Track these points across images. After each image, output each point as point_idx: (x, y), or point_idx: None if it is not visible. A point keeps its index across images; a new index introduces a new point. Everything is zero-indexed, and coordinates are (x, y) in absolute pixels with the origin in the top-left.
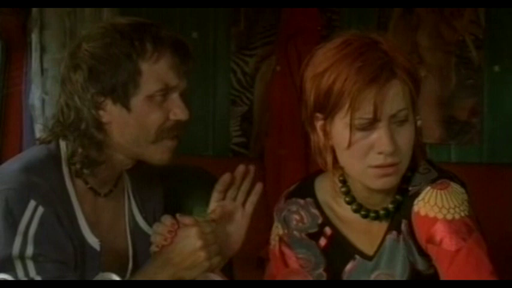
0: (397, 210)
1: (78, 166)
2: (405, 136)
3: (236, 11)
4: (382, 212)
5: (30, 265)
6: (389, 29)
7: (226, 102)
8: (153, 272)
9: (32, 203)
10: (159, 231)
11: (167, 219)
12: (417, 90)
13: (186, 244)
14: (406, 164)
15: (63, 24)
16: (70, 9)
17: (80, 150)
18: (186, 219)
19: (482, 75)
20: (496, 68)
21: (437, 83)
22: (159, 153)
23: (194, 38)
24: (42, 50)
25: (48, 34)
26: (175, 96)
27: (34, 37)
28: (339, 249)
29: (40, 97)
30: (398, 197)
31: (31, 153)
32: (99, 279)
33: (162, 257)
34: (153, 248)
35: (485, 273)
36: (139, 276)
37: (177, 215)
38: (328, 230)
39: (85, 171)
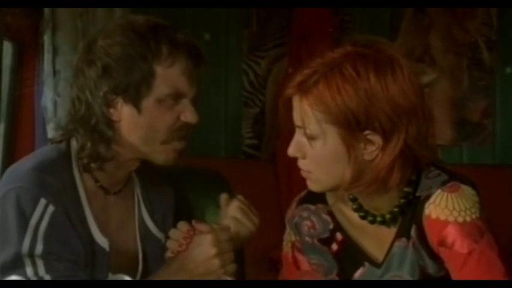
0: (403, 213)
1: (85, 160)
2: (313, 152)
3: (248, 12)
4: (388, 216)
5: (40, 263)
6: (401, 30)
7: (238, 104)
8: (167, 278)
9: (43, 201)
10: (175, 237)
11: (183, 226)
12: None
13: (200, 251)
14: (324, 178)
15: (75, 26)
16: (82, 10)
17: (88, 144)
18: (202, 226)
19: (494, 77)
20: (508, 70)
21: (449, 84)
22: (165, 154)
23: (206, 40)
24: (55, 51)
25: (61, 35)
26: (185, 101)
27: (46, 39)
28: (350, 255)
29: (52, 99)
30: (403, 200)
31: (42, 152)
32: (111, 279)
33: (176, 263)
34: (168, 254)
35: (497, 275)
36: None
37: (193, 222)
38: (339, 236)
39: (92, 165)
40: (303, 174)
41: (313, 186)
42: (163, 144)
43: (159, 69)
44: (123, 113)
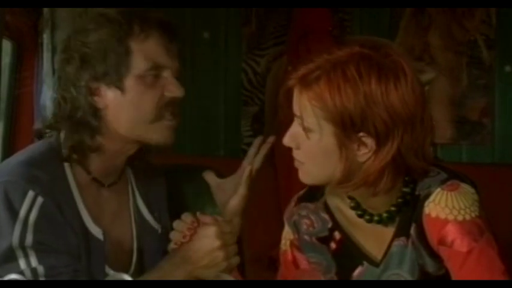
0: (401, 212)
1: (66, 152)
2: (307, 144)
3: (247, 11)
4: (385, 215)
5: (32, 254)
6: (400, 29)
7: (237, 102)
8: (170, 269)
9: (31, 193)
10: (179, 229)
11: (187, 217)
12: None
13: (204, 243)
14: (315, 171)
15: (74, 25)
16: (81, 9)
17: (73, 135)
18: (206, 218)
19: (493, 76)
20: (507, 68)
21: (448, 83)
22: (158, 133)
23: (205, 38)
24: (54, 50)
25: (60, 34)
26: (167, 75)
27: (46, 38)
28: (348, 254)
29: (52, 97)
30: (400, 200)
31: (32, 147)
32: (111, 279)
33: (180, 255)
34: (172, 245)
35: (497, 274)
36: (156, 273)
37: (198, 213)
38: (337, 235)
39: (74, 156)
40: (296, 164)
41: (303, 177)
42: (152, 123)
43: (134, 45)
44: (108, 98)
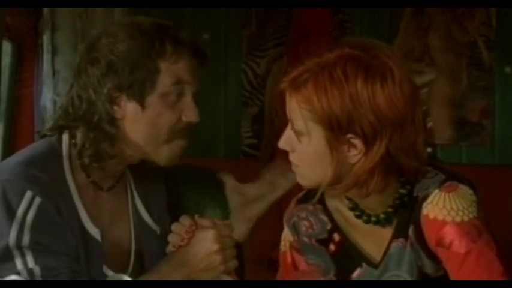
0: (398, 214)
1: (86, 160)
2: (300, 147)
3: (247, 12)
4: (382, 216)
5: (28, 254)
6: (400, 30)
7: (237, 103)
8: (168, 272)
9: (29, 193)
10: (177, 231)
11: (186, 220)
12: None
13: (202, 246)
14: (309, 174)
15: (74, 26)
16: (81, 10)
17: (91, 143)
18: (205, 221)
19: (493, 77)
20: (508, 69)
21: (448, 84)
22: (167, 154)
23: (205, 39)
24: (54, 51)
25: (60, 36)
26: (188, 98)
27: (46, 39)
28: (347, 255)
29: (52, 99)
30: (397, 201)
31: (32, 147)
32: (110, 279)
33: (178, 258)
34: (170, 248)
35: (496, 275)
36: (154, 275)
37: (196, 216)
38: (336, 237)
39: (94, 164)
40: (292, 167)
41: (300, 180)
42: (165, 143)
43: (163, 65)
44: (127, 110)
